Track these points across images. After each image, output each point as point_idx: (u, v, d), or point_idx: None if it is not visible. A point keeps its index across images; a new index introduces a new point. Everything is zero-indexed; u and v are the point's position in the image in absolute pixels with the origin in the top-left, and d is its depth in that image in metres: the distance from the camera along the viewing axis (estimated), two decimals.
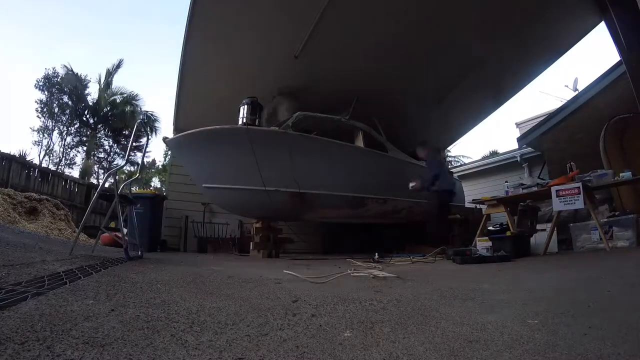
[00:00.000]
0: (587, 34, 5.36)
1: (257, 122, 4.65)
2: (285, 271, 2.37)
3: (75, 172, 16.23)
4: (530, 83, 6.69)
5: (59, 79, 16.23)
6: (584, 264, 2.75)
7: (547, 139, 6.53)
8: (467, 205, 6.98)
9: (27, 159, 11.44)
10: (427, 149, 5.45)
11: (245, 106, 4.64)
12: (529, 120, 9.41)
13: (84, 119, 17.19)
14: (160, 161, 20.23)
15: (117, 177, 4.42)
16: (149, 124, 17.94)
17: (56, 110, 16.32)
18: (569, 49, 5.76)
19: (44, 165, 13.92)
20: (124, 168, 18.81)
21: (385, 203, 5.31)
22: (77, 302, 1.16)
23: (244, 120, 4.55)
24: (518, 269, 2.68)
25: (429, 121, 6.88)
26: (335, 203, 4.93)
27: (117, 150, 18.64)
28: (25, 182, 7.64)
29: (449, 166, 10.42)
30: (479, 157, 14.15)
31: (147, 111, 17.83)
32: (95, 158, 17.86)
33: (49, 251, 2.69)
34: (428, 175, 4.98)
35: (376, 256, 3.86)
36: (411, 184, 4.95)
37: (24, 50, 31.02)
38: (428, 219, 5.69)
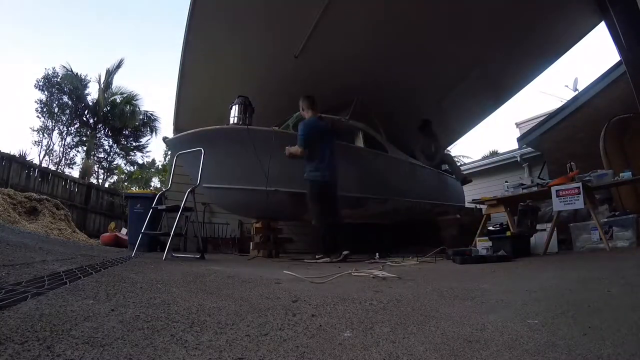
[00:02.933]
0: (587, 34, 5.37)
1: (247, 121, 4.61)
2: (285, 271, 2.38)
3: (75, 172, 16.23)
4: (530, 83, 6.71)
5: (58, 79, 16.22)
6: (584, 264, 2.75)
7: (547, 139, 6.54)
8: (467, 205, 6.98)
9: (27, 159, 11.42)
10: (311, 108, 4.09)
11: (237, 106, 4.63)
12: (529, 120, 9.43)
13: (84, 119, 17.18)
14: (160, 161, 20.23)
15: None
16: (148, 123, 17.96)
17: (56, 110, 16.30)
18: (569, 49, 5.78)
19: (44, 165, 13.91)
20: (124, 168, 18.88)
21: (385, 203, 5.31)
22: (77, 302, 1.16)
23: (235, 120, 4.54)
24: (518, 269, 2.68)
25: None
26: None
27: (117, 150, 18.64)
28: (25, 182, 7.65)
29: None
30: (479, 157, 14.17)
31: (147, 111, 17.86)
32: (95, 158, 17.85)
33: (49, 251, 2.69)
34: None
35: (377, 256, 3.86)
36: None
37: (24, 50, 31.03)
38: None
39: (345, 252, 3.72)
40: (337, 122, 4.55)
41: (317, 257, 3.86)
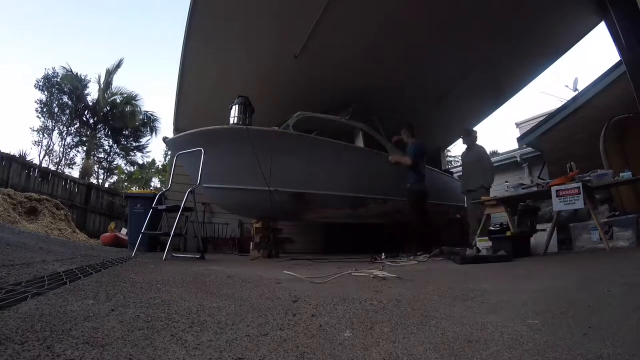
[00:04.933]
0: (587, 34, 5.36)
1: (246, 121, 4.61)
2: (285, 271, 2.38)
3: (75, 172, 16.22)
4: (530, 83, 6.71)
5: (58, 79, 16.21)
6: (584, 264, 2.74)
7: (547, 139, 6.53)
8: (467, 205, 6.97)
9: (27, 159, 11.40)
10: (413, 135, 4.98)
11: (237, 105, 4.63)
12: (529, 120, 9.41)
13: (84, 119, 17.17)
14: (160, 161, 20.21)
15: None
16: (148, 124, 17.96)
17: (56, 110, 16.29)
18: (569, 49, 5.77)
19: (44, 165, 13.90)
20: (124, 168, 18.88)
21: (386, 203, 5.31)
22: (77, 302, 1.16)
23: (235, 120, 4.55)
24: (518, 269, 2.68)
25: (428, 121, 6.89)
26: (335, 203, 4.93)
27: (117, 150, 18.63)
28: (25, 182, 7.65)
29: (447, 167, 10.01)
30: None
31: (147, 111, 17.85)
32: (95, 158, 17.84)
33: (49, 251, 2.70)
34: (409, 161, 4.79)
35: (383, 256, 3.86)
36: (390, 157, 4.98)
37: (24, 50, 31.02)
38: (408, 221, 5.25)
39: (436, 250, 4.13)
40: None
41: (418, 254, 4.10)
